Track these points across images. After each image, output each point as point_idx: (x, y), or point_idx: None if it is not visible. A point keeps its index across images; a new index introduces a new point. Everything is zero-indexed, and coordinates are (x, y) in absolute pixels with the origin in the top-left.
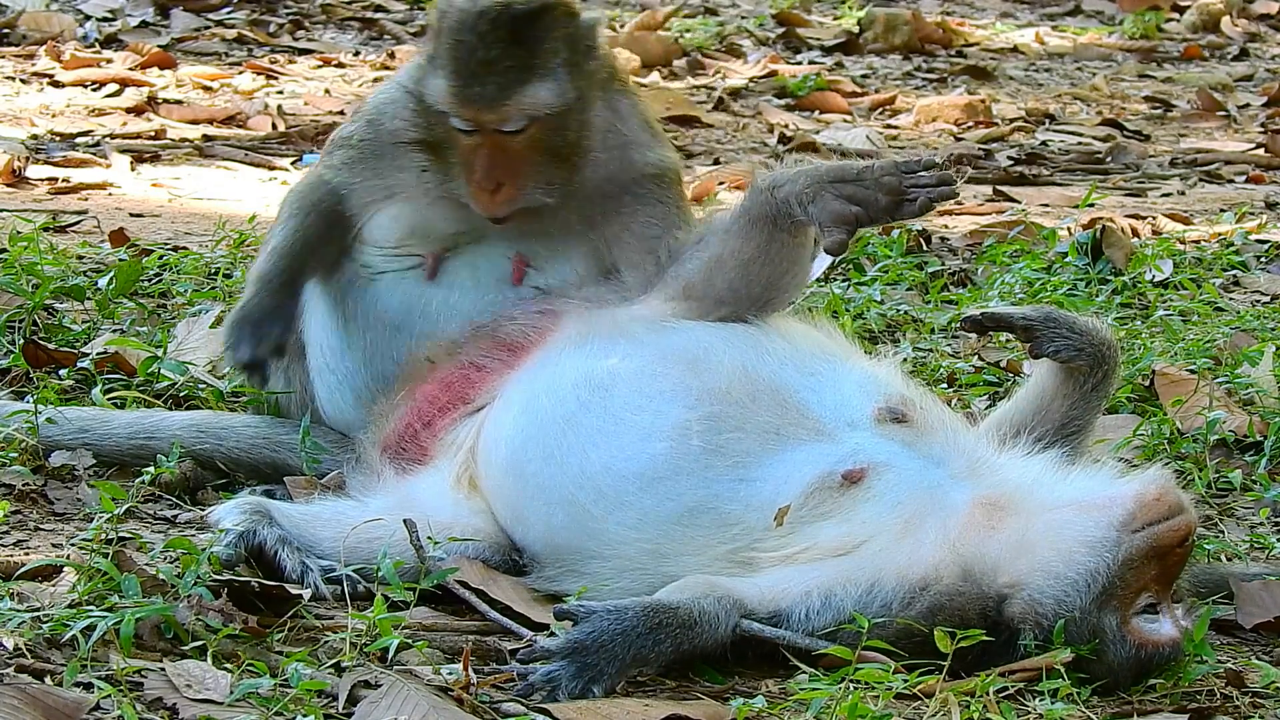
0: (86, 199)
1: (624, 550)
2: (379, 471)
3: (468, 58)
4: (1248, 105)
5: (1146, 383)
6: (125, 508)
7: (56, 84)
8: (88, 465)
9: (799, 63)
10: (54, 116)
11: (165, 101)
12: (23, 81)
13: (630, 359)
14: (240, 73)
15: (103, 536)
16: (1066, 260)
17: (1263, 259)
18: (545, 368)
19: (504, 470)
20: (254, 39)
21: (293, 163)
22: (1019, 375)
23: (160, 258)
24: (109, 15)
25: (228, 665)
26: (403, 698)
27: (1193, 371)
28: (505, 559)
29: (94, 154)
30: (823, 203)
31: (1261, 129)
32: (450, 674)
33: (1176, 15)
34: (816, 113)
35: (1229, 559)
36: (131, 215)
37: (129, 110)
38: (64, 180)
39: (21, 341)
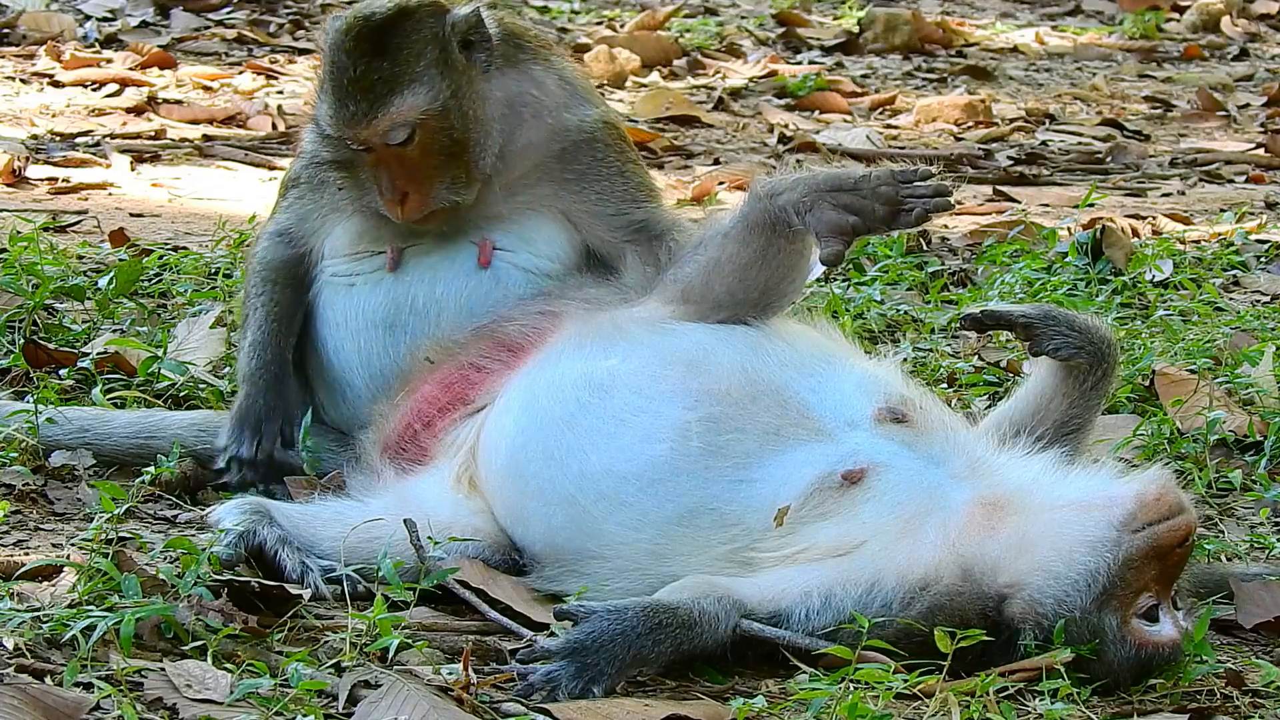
0: (86, 199)
1: (624, 551)
2: (379, 471)
3: (340, 78)
4: (1248, 105)
5: (1146, 383)
6: (125, 508)
7: (56, 84)
8: (88, 465)
9: (799, 63)
10: (54, 116)
11: (165, 101)
12: (23, 81)
13: (630, 360)
14: (240, 73)
15: (103, 536)
16: (1066, 260)
17: (1263, 259)
18: (545, 369)
19: (504, 471)
20: (254, 39)
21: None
22: (1019, 375)
23: (160, 258)
24: (109, 15)
25: (228, 665)
26: (403, 698)
27: (1193, 371)
28: (505, 559)
29: (94, 154)
30: (820, 212)
31: (1261, 129)
32: (450, 674)
33: (1176, 15)
34: (816, 113)
35: (1229, 559)
36: (131, 215)
37: (129, 110)
38: (64, 180)
39: (21, 341)
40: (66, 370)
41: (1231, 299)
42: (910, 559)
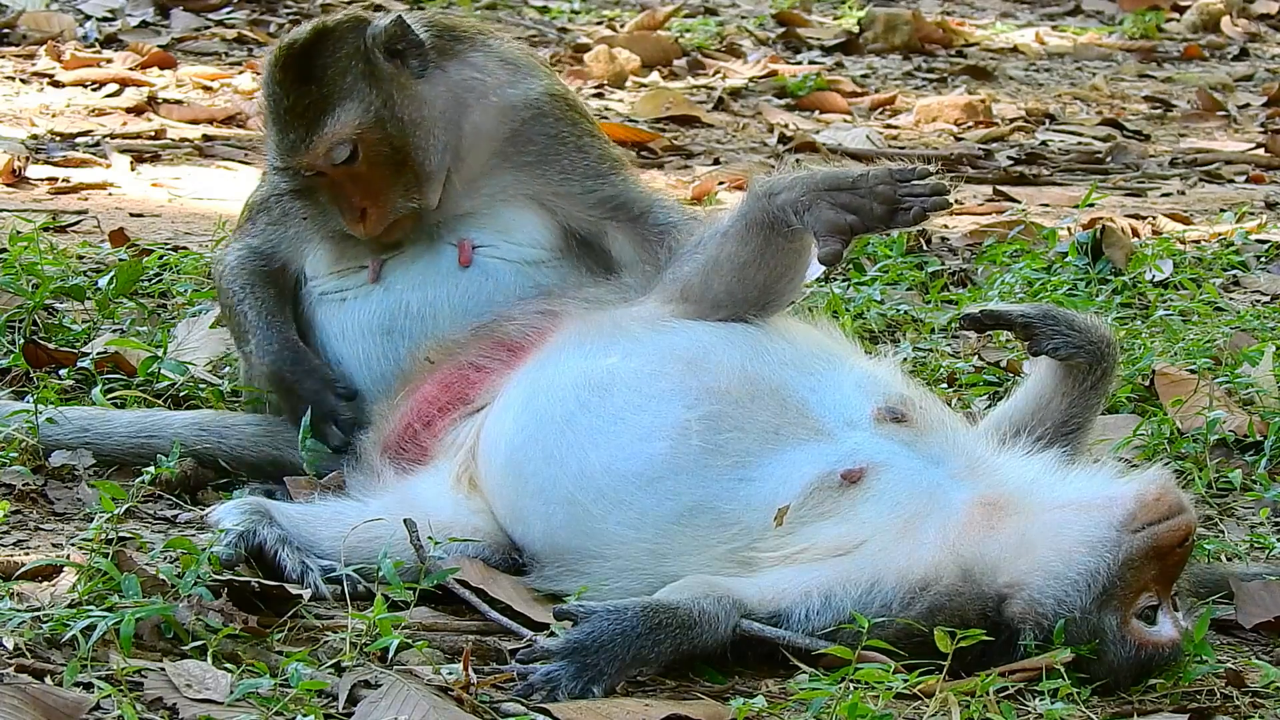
0: (86, 199)
1: (624, 550)
2: (379, 471)
3: (277, 109)
4: (1248, 105)
5: (1146, 383)
6: (125, 508)
7: (56, 84)
8: (88, 465)
9: (799, 63)
10: (54, 116)
11: (165, 101)
12: (23, 81)
13: (630, 359)
14: (240, 73)
15: (103, 536)
16: (1066, 260)
17: (1263, 259)
18: (545, 368)
19: (504, 470)
20: (254, 39)
21: None
22: (1019, 375)
23: (160, 258)
24: (109, 15)
25: (228, 665)
26: (403, 698)
27: (1193, 371)
28: (505, 559)
29: (94, 154)
30: (818, 211)
31: (1261, 129)
32: (450, 674)
33: (1176, 15)
34: (816, 113)
35: (1229, 559)
36: (131, 215)
37: (129, 110)
38: (64, 180)
39: (21, 341)
40: (66, 370)
41: (1231, 299)
42: (910, 559)
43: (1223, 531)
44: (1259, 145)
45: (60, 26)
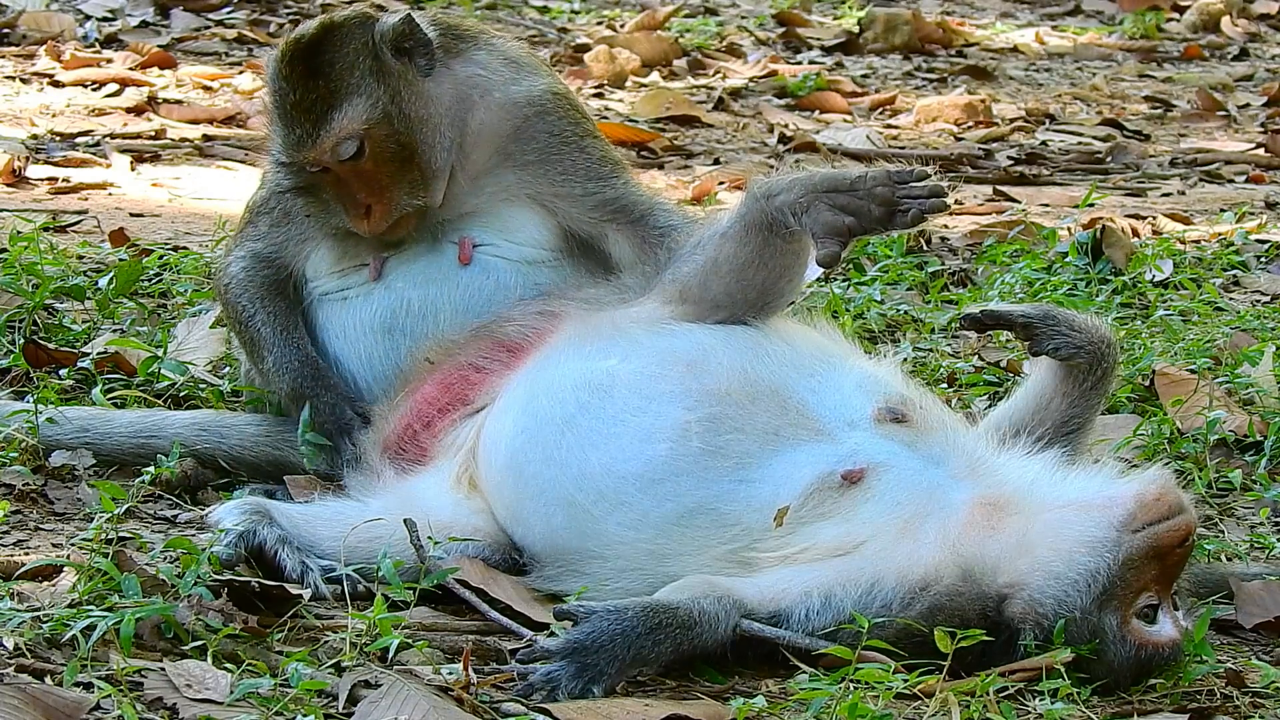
0: (86, 199)
1: (624, 550)
2: (379, 471)
3: (283, 104)
4: (1248, 105)
5: (1146, 383)
6: (125, 508)
7: (56, 84)
8: (88, 465)
9: (799, 63)
10: (54, 116)
11: (165, 101)
12: (23, 81)
13: (629, 360)
14: (240, 73)
15: (103, 536)
16: (1066, 260)
17: (1263, 259)
18: (545, 369)
19: (504, 471)
20: (254, 39)
21: None
22: (1019, 375)
23: (160, 258)
24: (109, 15)
25: (228, 665)
26: (403, 698)
27: (1193, 371)
28: (505, 559)
29: (94, 154)
30: (816, 213)
31: (1261, 129)
32: (450, 674)
33: (1176, 15)
34: (816, 113)
35: (1229, 559)
36: (131, 215)
37: (129, 110)
38: (64, 180)
39: (21, 341)
40: (66, 370)
41: (1231, 299)
42: (910, 559)
43: (1223, 531)
44: (1259, 145)
45: (60, 26)
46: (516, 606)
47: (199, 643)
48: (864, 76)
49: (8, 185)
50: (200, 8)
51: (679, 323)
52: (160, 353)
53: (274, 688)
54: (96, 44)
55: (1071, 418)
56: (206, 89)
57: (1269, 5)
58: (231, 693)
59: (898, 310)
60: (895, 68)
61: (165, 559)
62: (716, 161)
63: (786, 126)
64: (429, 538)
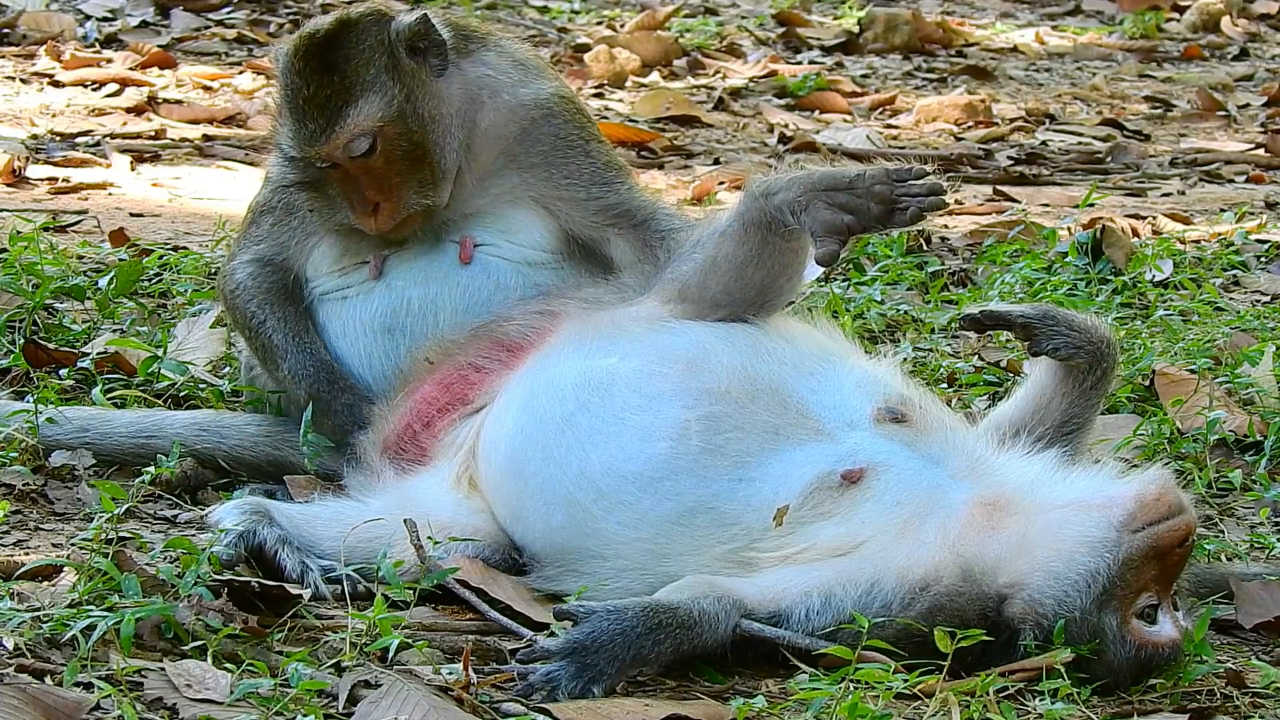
0: (86, 199)
1: (623, 550)
2: (379, 471)
3: (295, 98)
4: (1248, 105)
5: (1146, 383)
6: (125, 508)
7: (56, 84)
8: (88, 465)
9: (799, 63)
10: (54, 116)
11: (165, 101)
12: (23, 81)
13: (629, 359)
14: (240, 73)
15: (103, 536)
16: (1066, 260)
17: (1263, 259)
18: (544, 368)
19: (504, 470)
20: (254, 39)
21: None
22: (1019, 375)
23: (160, 258)
24: (109, 15)
25: (228, 665)
26: (403, 698)
27: (1193, 371)
28: (505, 558)
29: (94, 154)
30: (815, 211)
31: (1261, 129)
32: (450, 674)
33: (1176, 15)
34: (816, 113)
35: (1229, 559)
36: (131, 215)
37: (129, 110)
38: (64, 180)
39: (21, 341)
40: (66, 370)
41: (1231, 299)
42: (910, 559)
43: (1223, 531)
44: (1259, 145)
45: (60, 26)
46: (516, 606)
47: (199, 643)
48: (864, 76)
49: (8, 185)
50: (200, 8)
51: (679, 321)
52: (160, 353)
53: (274, 688)
54: (96, 44)
55: (1071, 418)
56: (206, 89)
57: (1269, 5)
58: (231, 693)
59: (898, 310)
60: (895, 68)
61: (165, 559)
62: (716, 161)
63: (786, 126)
64: (429, 537)
